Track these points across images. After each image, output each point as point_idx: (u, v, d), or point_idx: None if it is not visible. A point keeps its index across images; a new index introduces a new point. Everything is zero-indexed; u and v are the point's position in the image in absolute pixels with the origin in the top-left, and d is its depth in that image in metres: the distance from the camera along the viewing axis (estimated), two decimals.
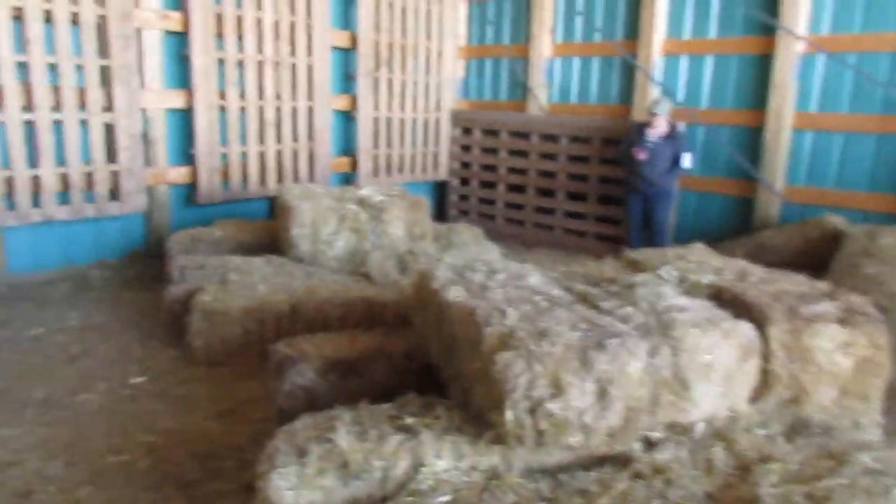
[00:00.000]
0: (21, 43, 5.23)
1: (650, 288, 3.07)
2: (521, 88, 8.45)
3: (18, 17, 5.21)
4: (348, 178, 7.88)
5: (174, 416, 3.72)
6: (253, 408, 3.83)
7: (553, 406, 2.37)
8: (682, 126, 6.86)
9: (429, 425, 2.57)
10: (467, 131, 8.66)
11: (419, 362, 3.43)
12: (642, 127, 6.55)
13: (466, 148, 8.69)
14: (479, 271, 3.24)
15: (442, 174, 8.76)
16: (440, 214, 8.67)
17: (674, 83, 7.17)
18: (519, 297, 2.92)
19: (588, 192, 7.61)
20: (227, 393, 4.01)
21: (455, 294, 2.94)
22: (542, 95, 8.17)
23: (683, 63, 7.12)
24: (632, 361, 2.51)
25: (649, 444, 2.65)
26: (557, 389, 2.40)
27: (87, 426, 3.59)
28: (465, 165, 8.74)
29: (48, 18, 5.34)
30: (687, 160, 6.41)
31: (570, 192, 7.77)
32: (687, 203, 7.23)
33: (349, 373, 3.40)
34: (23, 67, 5.28)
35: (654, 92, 7.17)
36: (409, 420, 2.58)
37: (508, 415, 2.38)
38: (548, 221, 7.98)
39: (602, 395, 2.46)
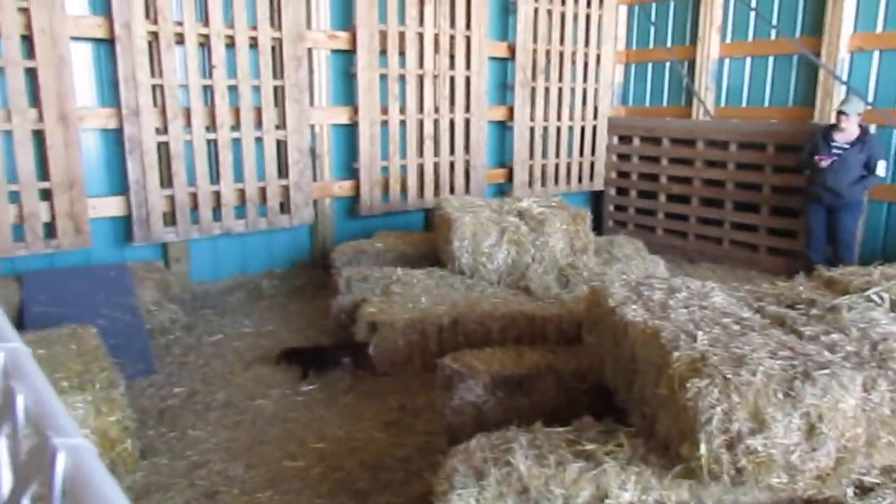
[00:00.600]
0: (206, 68, 5.69)
1: (860, 312, 2.81)
2: (684, 93, 8.08)
3: (204, 43, 5.67)
4: (502, 190, 7.89)
5: (343, 425, 3.85)
6: (418, 420, 3.88)
7: (755, 442, 2.19)
8: (872, 129, 6.24)
9: (611, 453, 2.45)
10: (625, 139, 8.40)
11: (590, 382, 3.35)
12: (829, 130, 6.04)
13: (624, 157, 8.43)
14: (658, 289, 3.12)
15: (598, 184, 8.55)
16: (596, 226, 8.46)
17: (863, 82, 6.54)
18: (706, 319, 2.78)
19: (760, 202, 7.13)
20: (393, 403, 4.09)
21: (635, 313, 2.84)
22: (708, 99, 7.76)
23: (875, 59, 6.48)
24: (845, 396, 2.26)
25: (862, 490, 2.40)
26: (759, 424, 2.22)
27: (263, 430, 3.80)
28: (623, 175, 8.48)
29: (230, 44, 5.78)
30: (881, 168, 5.84)
31: (739, 202, 7.33)
32: (876, 216, 6.55)
33: (517, 390, 3.37)
34: (206, 90, 5.74)
35: (841, 92, 6.57)
36: (590, 446, 2.48)
37: (702, 448, 2.22)
38: (714, 233, 7.56)
39: (810, 432, 2.24)
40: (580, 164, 8.38)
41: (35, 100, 5.04)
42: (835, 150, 5.91)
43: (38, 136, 5.13)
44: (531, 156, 7.91)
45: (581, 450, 2.48)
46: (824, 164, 5.92)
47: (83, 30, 5.21)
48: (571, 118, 8.16)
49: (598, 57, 8.24)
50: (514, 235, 5.19)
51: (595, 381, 3.26)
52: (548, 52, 7.78)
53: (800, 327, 2.75)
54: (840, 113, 5.88)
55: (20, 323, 4.61)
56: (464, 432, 3.19)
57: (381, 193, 6.79)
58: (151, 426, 3.82)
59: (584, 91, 8.20)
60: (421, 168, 7.02)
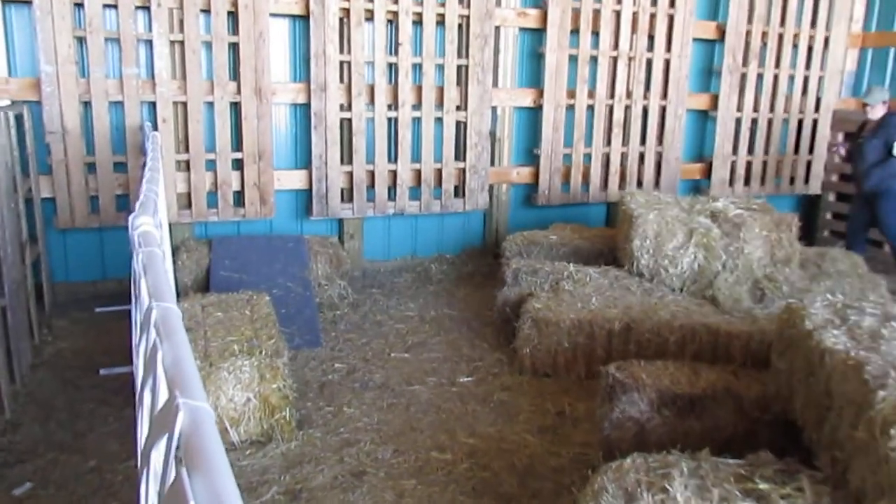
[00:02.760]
0: (392, 45, 5.94)
1: None
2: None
3: (392, 20, 5.91)
4: (698, 187, 7.50)
5: (495, 423, 3.87)
6: (575, 429, 3.81)
7: None
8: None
9: (788, 497, 2.24)
10: (852, 136, 7.59)
11: (775, 413, 3.13)
12: (866, 122, 6.34)
13: (850, 157, 7.64)
14: (870, 314, 2.83)
15: (814, 187, 7.85)
16: (808, 235, 7.78)
17: None
18: None
19: None
20: (550, 407, 4.06)
21: (836, 340, 2.60)
22: None
23: None
24: None
25: None
26: None
27: (415, 417, 3.92)
28: (846, 178, 7.70)
29: (417, 20, 5.98)
30: None
31: None
32: None
33: (688, 411, 3.22)
34: (391, 67, 5.99)
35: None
36: (763, 485, 2.29)
37: None
38: None
39: None
40: (793, 163, 7.73)
41: (235, 73, 5.55)
42: (860, 140, 6.27)
43: (235, 108, 5.65)
44: (734, 150, 7.43)
45: (752, 488, 2.30)
46: (839, 153, 6.42)
47: (281, 6, 5.64)
48: (787, 110, 7.55)
49: (827, 39, 7.53)
50: (704, 239, 4.91)
51: (780, 413, 3.04)
52: (764, 34, 7.23)
53: None
54: (864, 105, 6.23)
55: (207, 284, 5.13)
56: (621, 449, 3.09)
57: (560, 183, 6.72)
58: (311, 398, 4.09)
59: (806, 79, 7.54)
60: (607, 158, 6.85)
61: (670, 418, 3.16)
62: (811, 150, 7.76)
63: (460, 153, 6.34)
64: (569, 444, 3.67)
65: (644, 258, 5.03)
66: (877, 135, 6.12)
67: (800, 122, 7.65)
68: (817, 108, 7.67)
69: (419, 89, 6.08)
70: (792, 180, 7.78)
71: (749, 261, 4.89)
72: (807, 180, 7.83)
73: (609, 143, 6.81)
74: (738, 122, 7.36)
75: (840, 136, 7.31)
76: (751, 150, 7.53)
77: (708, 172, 7.44)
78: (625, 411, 3.16)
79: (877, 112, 6.18)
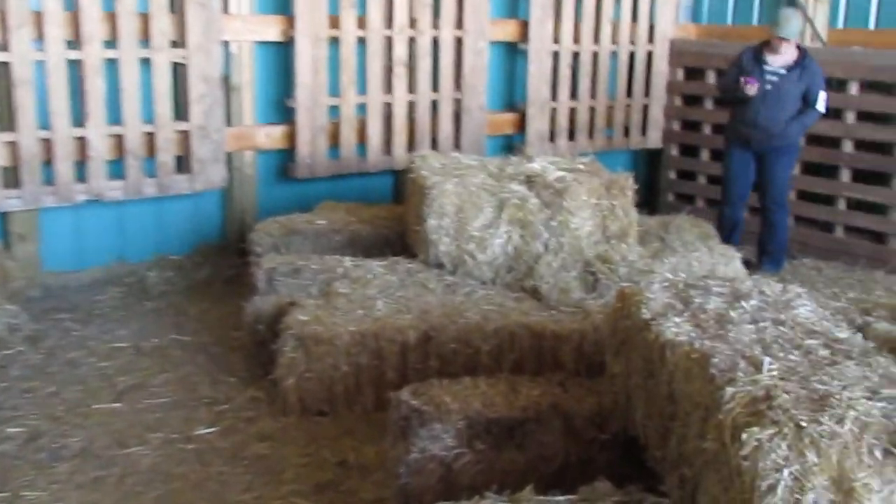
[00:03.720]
0: None
1: None
2: (785, 7, 8.06)
3: None
4: (511, 144, 7.93)
5: (252, 488, 3.86)
6: (363, 481, 3.90)
7: None
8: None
9: None
10: (696, 73, 8.41)
11: (613, 431, 3.39)
12: (761, 50, 6.65)
13: (694, 99, 8.47)
14: (717, 294, 3.18)
15: (653, 139, 8.58)
16: (648, 200, 8.47)
17: None
18: (781, 340, 2.84)
19: (894, 170, 7.15)
20: (328, 456, 4.11)
21: (677, 329, 2.89)
22: (819, 17, 7.76)
23: None
24: None
25: None
26: (844, 495, 2.24)
27: (134, 493, 3.81)
28: (691, 126, 8.50)
29: None
30: (822, 101, 6.53)
31: (860, 170, 7.34)
32: None
33: (506, 439, 3.40)
34: None
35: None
36: None
37: None
38: (822, 216, 7.60)
39: None
40: (627, 110, 8.40)
41: None
42: (768, 76, 6.55)
43: None
44: (554, 95, 7.91)
45: None
46: (752, 90, 6.44)
47: None
48: (615, 40, 8.17)
49: None
50: (519, 212, 5.20)
51: (620, 430, 3.30)
52: None
53: None
54: (779, 40, 6.47)
55: None
56: (424, 500, 3.20)
57: (327, 146, 6.80)
58: None
59: (635, 1, 8.20)
60: (388, 110, 7.02)
61: (485, 452, 3.32)
62: (647, 93, 8.47)
63: (181, 110, 6.20)
64: (356, 503, 3.74)
65: (443, 243, 5.21)
66: (801, 78, 6.50)
67: (631, 57, 8.31)
68: (651, 38, 8.38)
69: (112, 18, 5.85)
70: (626, 131, 8.44)
71: (577, 238, 5.24)
72: (644, 131, 8.53)
73: (390, 89, 6.97)
74: (556, 57, 7.85)
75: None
76: (574, 95, 8.06)
77: (522, 125, 7.87)
78: (425, 449, 3.28)
79: (791, 47, 6.52)
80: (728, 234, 6.80)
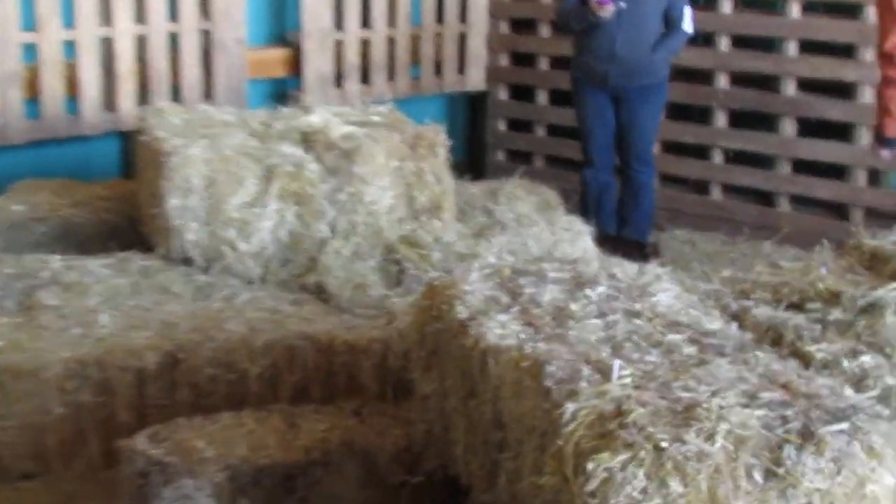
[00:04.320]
0: None
1: None
2: None
3: None
4: (283, 92, 7.91)
5: None
6: None
7: None
8: None
9: None
10: None
11: (428, 471, 3.41)
12: None
13: (526, 25, 8.64)
14: (554, 283, 3.25)
15: (474, 80, 8.71)
16: (473, 162, 8.60)
17: None
18: (635, 336, 2.92)
19: (780, 111, 7.50)
20: None
21: (503, 331, 2.93)
22: None
23: None
24: (877, 470, 2.41)
25: None
26: None
27: None
28: (524, 60, 8.67)
29: None
30: (688, 20, 6.77)
31: (740, 112, 7.67)
32: None
33: (284, 493, 3.39)
34: None
35: None
36: None
37: None
38: (694, 172, 7.88)
39: None
40: (438, 41, 8.49)
41: None
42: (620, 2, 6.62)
43: None
44: (339, 23, 7.92)
45: None
46: (607, 12, 6.55)
47: None
48: None
49: None
50: (294, 183, 5.18)
51: (436, 469, 3.33)
52: None
53: (807, 346, 2.90)
54: None
55: None
56: None
57: (22, 100, 6.59)
58: None
59: None
60: (109, 49, 6.86)
61: None
62: (463, 17, 8.58)
63: None
64: None
65: (191, 230, 5.14)
66: None
67: None
68: None
69: None
70: (438, 69, 8.51)
71: (373, 215, 5.26)
72: (461, 68, 8.63)
73: (109, 19, 6.80)
74: None
75: None
76: (366, 22, 8.07)
77: (297, 64, 7.83)
78: None
79: None
80: (595, 203, 6.99)
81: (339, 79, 7.99)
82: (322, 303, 4.99)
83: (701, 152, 7.83)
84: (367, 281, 5.10)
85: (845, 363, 2.83)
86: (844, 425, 2.45)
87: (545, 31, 8.42)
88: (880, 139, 5.65)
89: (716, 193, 7.78)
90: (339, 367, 4.50)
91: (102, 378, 4.32)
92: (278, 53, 7.82)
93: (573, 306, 3.07)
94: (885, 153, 5.69)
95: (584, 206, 7.03)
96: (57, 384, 4.28)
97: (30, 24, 6.53)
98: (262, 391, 4.43)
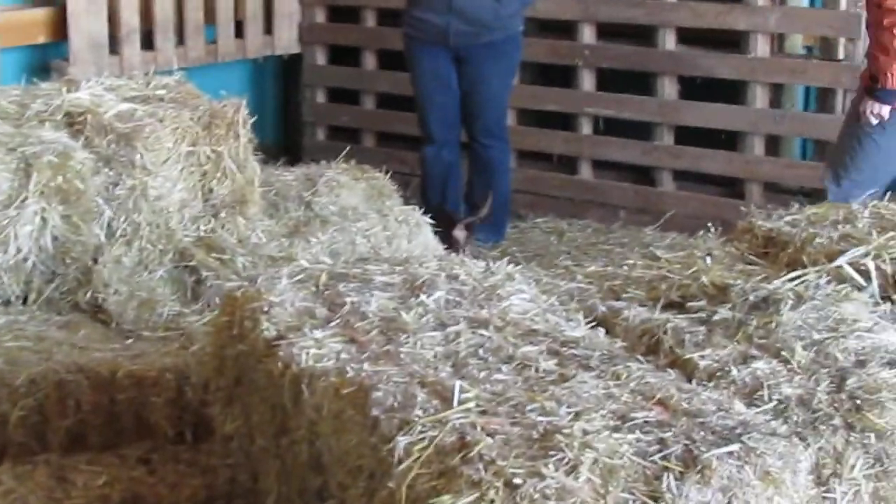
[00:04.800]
0: None
1: (819, 308, 3.13)
2: None
3: None
4: (44, 61, 7.80)
5: None
6: None
7: None
8: None
9: None
10: None
11: None
12: None
13: None
14: (382, 289, 3.25)
15: (284, 41, 8.71)
16: (286, 143, 8.60)
17: None
18: (483, 351, 2.91)
19: (658, 67, 7.65)
20: None
21: (319, 352, 2.91)
22: None
23: None
24: (778, 500, 2.47)
25: None
26: None
27: None
28: (345, 15, 8.67)
29: None
30: None
31: (608, 70, 7.79)
32: None
33: None
34: None
35: None
36: None
37: None
38: (559, 147, 7.98)
39: None
40: None
41: None
42: None
43: None
44: None
45: None
46: None
47: None
48: None
49: None
50: (59, 176, 5.10)
51: None
52: None
53: (689, 353, 2.94)
54: None
55: None
56: None
57: None
58: None
59: None
60: None
61: None
62: None
63: None
64: None
65: None
66: None
67: None
68: None
69: None
70: (238, 30, 8.46)
71: (161, 213, 5.22)
72: (268, 28, 8.60)
73: None
74: None
75: None
76: None
77: (62, 27, 7.75)
78: None
79: None
80: (439, 188, 7.03)
81: (114, 44, 7.89)
82: (100, 325, 4.92)
83: (565, 122, 7.93)
84: (156, 296, 5.05)
85: (734, 372, 2.83)
86: (734, 447, 2.47)
87: None
88: (874, 92, 5.82)
89: (585, 171, 7.89)
90: (123, 405, 4.42)
91: None
92: (37, 14, 7.71)
93: (406, 316, 3.04)
94: (881, 109, 5.84)
95: (425, 191, 7.06)
96: None
97: None
98: (25, 440, 4.31)
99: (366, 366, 2.80)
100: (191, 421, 4.36)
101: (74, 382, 4.40)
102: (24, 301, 5.12)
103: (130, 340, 4.79)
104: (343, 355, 2.88)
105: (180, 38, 8.17)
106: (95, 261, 5.12)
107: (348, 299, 3.18)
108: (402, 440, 2.49)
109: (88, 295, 5.05)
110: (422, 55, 7.06)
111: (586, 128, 7.74)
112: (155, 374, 4.45)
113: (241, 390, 3.26)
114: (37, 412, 4.37)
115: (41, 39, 7.74)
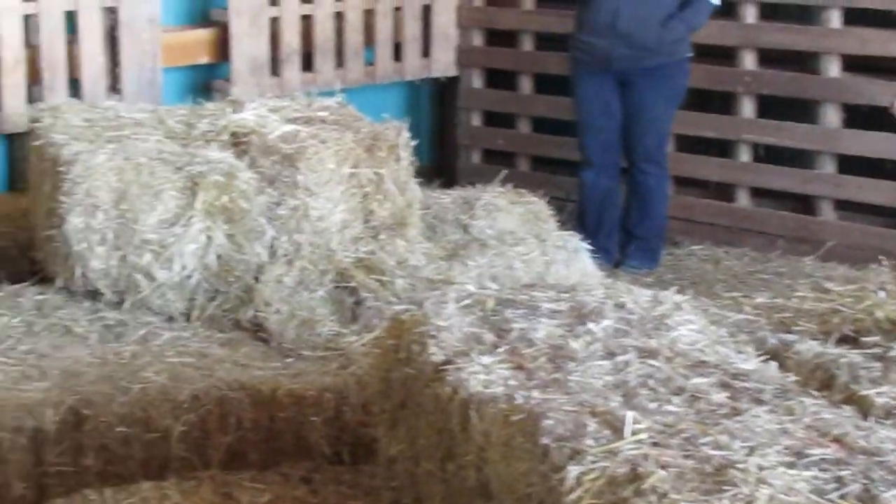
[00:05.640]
0: None
1: None
2: None
3: None
4: (207, 81, 7.90)
5: None
6: None
7: None
8: None
9: None
10: None
11: None
12: None
13: None
14: (549, 316, 3.22)
15: (442, 63, 8.74)
16: (442, 165, 8.61)
17: None
18: (653, 382, 2.88)
19: (821, 96, 7.53)
20: None
21: (488, 378, 2.89)
22: None
23: None
24: None
25: None
26: None
27: None
28: (503, 39, 8.65)
29: None
30: None
31: (769, 97, 7.70)
32: None
33: None
34: None
35: None
36: None
37: None
38: (717, 174, 7.90)
39: None
40: (396, 17, 8.52)
41: None
42: None
43: None
44: None
45: None
46: None
47: None
48: None
49: None
50: (224, 196, 5.16)
51: None
52: None
53: (865, 389, 2.88)
54: None
55: None
56: None
57: None
58: None
59: None
60: None
61: None
62: None
63: None
64: None
65: (97, 255, 5.11)
66: None
67: None
68: None
69: None
70: (397, 52, 8.51)
71: (322, 234, 5.25)
72: (426, 50, 8.63)
73: None
74: None
75: None
76: None
77: (224, 48, 7.85)
78: None
79: None
80: (595, 213, 7.01)
81: (275, 66, 7.97)
82: (260, 343, 4.96)
83: (724, 149, 7.84)
84: (316, 315, 5.07)
85: None
86: None
87: (529, 1, 8.43)
88: None
89: (742, 199, 7.78)
90: (282, 424, 4.46)
91: None
92: (201, 35, 7.81)
93: (574, 344, 3.01)
94: None
95: (583, 216, 7.03)
96: None
97: None
98: (187, 455, 4.37)
99: (535, 393, 2.77)
100: (348, 441, 4.38)
101: (236, 400, 4.45)
102: (187, 318, 5.16)
103: (290, 359, 4.82)
104: (511, 382, 2.86)
105: (339, 60, 8.23)
106: (257, 279, 5.16)
107: (515, 325, 3.16)
108: (573, 469, 2.46)
109: (250, 313, 5.09)
110: (585, 78, 7.03)
111: (745, 155, 7.65)
112: (314, 393, 4.49)
113: (407, 413, 3.25)
114: (198, 428, 4.42)
115: (203, 60, 7.84)
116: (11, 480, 4.31)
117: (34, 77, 6.97)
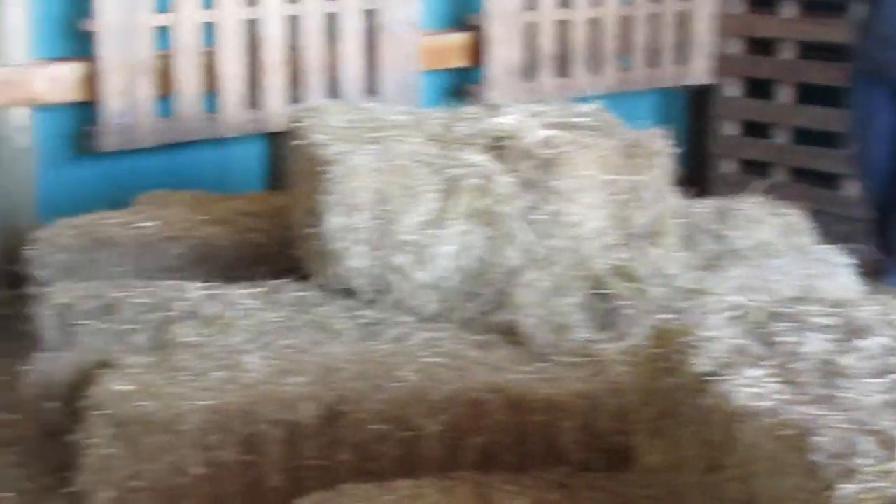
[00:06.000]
0: None
1: None
2: None
3: None
4: (461, 85, 7.92)
5: None
6: None
7: None
8: None
9: None
10: None
11: None
12: None
13: (765, 1, 8.55)
14: (818, 330, 3.18)
15: (699, 71, 8.68)
16: (696, 174, 8.54)
17: None
18: None
19: None
20: None
21: (757, 390, 2.86)
22: None
23: None
24: None
25: None
26: None
27: None
28: (764, 47, 8.56)
29: None
30: None
31: None
32: None
33: None
34: None
35: None
36: None
37: None
38: None
39: None
40: (653, 23, 8.48)
41: None
42: None
43: None
44: (532, 2, 7.97)
45: None
46: None
47: None
48: None
49: None
50: (482, 199, 5.19)
51: None
52: None
53: None
54: None
55: None
56: None
57: (153, 96, 6.76)
58: None
59: None
60: (253, 33, 7.00)
61: None
62: None
63: None
64: None
65: (356, 255, 5.17)
66: None
67: None
68: None
69: None
70: (654, 58, 8.47)
71: (578, 240, 5.25)
72: (682, 58, 8.57)
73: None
74: None
75: None
76: (565, 2, 8.11)
77: (479, 53, 7.88)
78: None
79: None
80: (879, 227, 6.92)
81: (531, 70, 8.00)
82: (514, 347, 4.96)
83: None
84: (570, 321, 5.06)
85: None
86: None
87: (790, 9, 8.31)
88: None
89: None
90: (534, 428, 4.45)
91: (249, 433, 4.36)
92: (457, 39, 7.89)
93: (844, 361, 2.97)
94: None
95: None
96: (195, 439, 4.34)
97: (164, 4, 6.69)
98: (440, 454, 4.40)
99: (804, 408, 2.74)
100: (601, 448, 4.36)
101: (490, 402, 4.46)
102: (442, 318, 5.20)
103: (543, 364, 4.80)
104: (780, 396, 2.83)
105: (595, 66, 8.22)
106: (512, 284, 5.17)
107: (783, 339, 3.13)
108: (848, 489, 2.43)
109: (504, 317, 5.10)
110: (860, 89, 6.92)
111: None
112: (567, 399, 4.47)
113: (669, 423, 3.24)
114: (452, 428, 4.44)
115: (459, 64, 7.90)
116: (269, 472, 4.40)
117: (294, 78, 7.10)
